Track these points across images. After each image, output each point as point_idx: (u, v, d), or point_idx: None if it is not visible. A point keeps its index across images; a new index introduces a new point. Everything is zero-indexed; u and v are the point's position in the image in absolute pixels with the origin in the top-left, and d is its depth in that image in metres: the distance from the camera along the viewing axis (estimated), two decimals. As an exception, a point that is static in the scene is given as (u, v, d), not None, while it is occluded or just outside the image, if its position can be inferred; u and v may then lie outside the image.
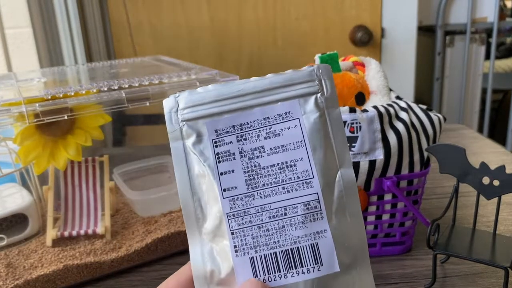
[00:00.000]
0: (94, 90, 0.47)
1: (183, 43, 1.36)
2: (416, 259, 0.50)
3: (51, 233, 0.51)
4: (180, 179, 0.26)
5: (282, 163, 0.25)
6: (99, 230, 0.52)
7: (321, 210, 0.24)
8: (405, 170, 0.48)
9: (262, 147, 0.25)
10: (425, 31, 1.49)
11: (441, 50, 1.48)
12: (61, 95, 0.46)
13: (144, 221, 0.56)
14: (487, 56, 1.52)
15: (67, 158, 0.51)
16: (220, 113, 0.26)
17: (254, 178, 0.25)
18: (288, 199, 0.25)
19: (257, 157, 0.25)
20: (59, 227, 0.53)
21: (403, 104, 0.49)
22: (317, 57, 0.52)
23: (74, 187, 0.55)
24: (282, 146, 0.25)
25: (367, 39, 1.34)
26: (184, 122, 0.26)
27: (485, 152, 0.81)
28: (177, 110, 0.26)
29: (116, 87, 0.48)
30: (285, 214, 0.25)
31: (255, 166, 0.25)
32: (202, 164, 0.25)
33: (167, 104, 0.27)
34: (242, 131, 0.26)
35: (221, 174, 0.25)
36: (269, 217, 0.24)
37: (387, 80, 0.52)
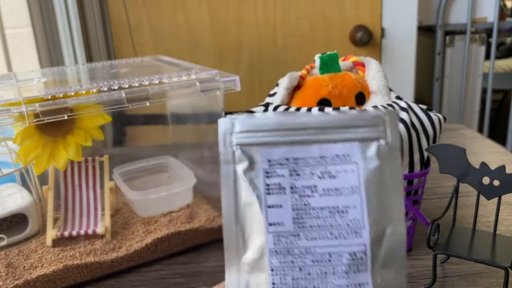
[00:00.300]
0: (94, 90, 0.47)
1: (183, 43, 1.36)
2: (416, 259, 0.50)
3: (51, 233, 0.51)
4: (226, 204, 0.25)
5: (333, 207, 0.24)
6: (99, 230, 0.52)
7: (366, 262, 0.23)
8: (405, 170, 0.47)
9: (315, 186, 0.24)
10: (425, 31, 1.49)
11: (441, 50, 1.48)
12: (61, 95, 0.46)
13: (144, 221, 0.56)
14: (487, 56, 1.52)
15: (67, 158, 0.51)
16: (276, 143, 0.25)
17: (302, 217, 0.24)
18: (335, 245, 0.24)
19: (308, 196, 0.24)
20: (59, 227, 0.53)
21: (403, 104, 0.49)
22: (317, 57, 0.52)
23: (74, 187, 0.55)
24: (336, 189, 0.24)
25: (367, 39, 1.34)
26: (238, 146, 0.25)
27: (485, 152, 0.81)
28: (232, 132, 0.25)
29: (116, 87, 0.48)
30: (329, 260, 0.24)
31: (304, 205, 0.24)
32: (250, 193, 0.24)
33: (222, 124, 0.26)
34: (296, 165, 0.24)
35: (269, 207, 0.24)
36: (312, 261, 0.23)
37: (387, 80, 0.52)
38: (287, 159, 0.24)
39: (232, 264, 0.25)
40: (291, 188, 0.24)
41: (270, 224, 0.24)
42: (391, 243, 0.24)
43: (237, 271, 0.24)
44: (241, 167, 0.25)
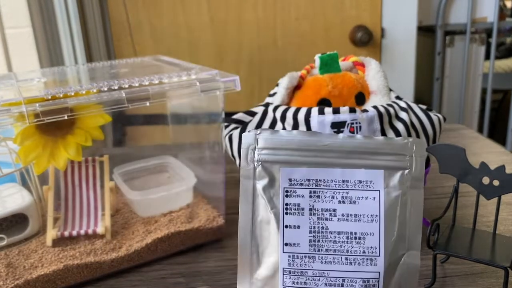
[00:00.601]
0: (94, 90, 0.47)
1: (183, 43, 1.36)
2: (416, 259, 0.50)
3: (51, 233, 0.51)
4: (242, 220, 0.25)
5: (351, 233, 0.24)
6: (99, 230, 0.52)
7: None
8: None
9: (334, 210, 0.24)
10: (425, 31, 1.49)
11: (441, 50, 1.48)
12: (61, 95, 0.46)
13: (144, 221, 0.56)
14: (487, 56, 1.52)
15: (67, 158, 0.51)
16: (299, 163, 0.24)
17: (318, 240, 0.24)
18: (349, 271, 0.23)
19: (327, 219, 0.24)
20: (59, 227, 0.53)
21: (403, 104, 0.49)
22: (317, 57, 0.52)
23: (74, 187, 0.55)
24: (355, 215, 0.24)
25: (367, 39, 1.34)
26: (260, 163, 0.25)
27: (485, 152, 0.81)
28: (255, 148, 0.25)
29: (116, 87, 0.48)
30: (342, 285, 0.23)
31: (322, 228, 0.24)
32: (268, 210, 0.24)
33: (246, 139, 0.26)
34: (317, 187, 0.24)
35: (286, 227, 0.24)
36: (325, 284, 0.23)
37: (387, 80, 0.52)
38: (308, 180, 0.24)
39: (245, 279, 0.25)
40: (310, 209, 0.24)
41: (286, 244, 0.24)
42: (405, 272, 0.24)
43: (249, 286, 0.25)
44: (261, 184, 0.25)
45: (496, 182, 0.43)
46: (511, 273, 0.41)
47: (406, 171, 0.25)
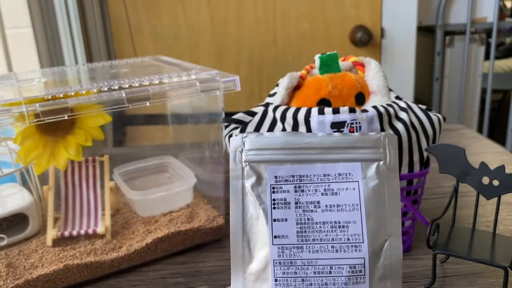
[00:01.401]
0: (95, 90, 0.47)
1: (183, 43, 1.36)
2: (416, 258, 0.50)
3: (51, 233, 0.51)
4: (233, 217, 0.26)
5: (335, 222, 0.25)
6: (100, 230, 0.52)
7: (365, 275, 0.25)
8: (404, 170, 0.48)
9: (318, 202, 0.26)
10: (425, 31, 1.49)
11: (441, 50, 1.48)
12: (61, 95, 0.46)
13: (144, 221, 0.56)
14: (487, 56, 1.52)
15: (68, 158, 0.52)
16: (283, 161, 0.26)
17: (305, 231, 0.25)
18: (336, 258, 0.25)
19: (312, 211, 0.26)
20: (60, 227, 0.53)
21: (402, 104, 0.49)
22: (317, 58, 0.52)
23: (75, 187, 0.55)
24: (338, 205, 0.26)
25: (367, 39, 1.34)
26: (247, 163, 0.27)
27: (484, 152, 0.81)
28: (242, 150, 0.27)
29: (116, 87, 0.48)
30: (330, 272, 0.25)
31: (308, 219, 0.26)
32: (257, 207, 0.26)
33: (234, 143, 0.28)
34: (301, 182, 0.26)
35: (274, 220, 0.25)
36: (314, 272, 0.25)
37: (387, 80, 0.52)
38: (292, 176, 0.26)
39: (238, 274, 0.26)
40: (296, 203, 0.26)
41: (275, 237, 0.25)
42: (389, 257, 0.25)
43: (243, 280, 0.26)
44: (249, 183, 0.26)
45: (495, 182, 0.43)
46: (510, 273, 0.42)
47: (381, 162, 0.26)
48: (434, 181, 0.69)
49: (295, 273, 0.25)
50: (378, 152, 0.26)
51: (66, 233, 0.51)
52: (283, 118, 0.48)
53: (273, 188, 0.26)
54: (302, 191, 0.26)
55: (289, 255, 0.25)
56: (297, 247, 0.25)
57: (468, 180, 0.44)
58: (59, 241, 0.51)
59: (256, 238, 0.26)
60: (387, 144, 0.27)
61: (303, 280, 0.25)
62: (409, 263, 0.50)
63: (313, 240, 0.25)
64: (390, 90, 0.52)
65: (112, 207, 0.57)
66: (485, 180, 0.43)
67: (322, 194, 0.26)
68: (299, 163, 0.26)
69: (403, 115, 0.48)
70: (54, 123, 0.50)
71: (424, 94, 1.58)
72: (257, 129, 0.50)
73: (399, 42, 1.38)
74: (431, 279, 0.45)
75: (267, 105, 0.51)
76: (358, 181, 0.26)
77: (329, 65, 0.51)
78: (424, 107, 0.52)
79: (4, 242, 0.51)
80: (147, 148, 0.86)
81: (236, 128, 0.52)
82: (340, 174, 0.26)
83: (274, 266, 0.25)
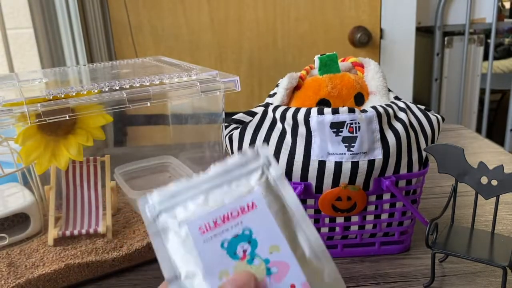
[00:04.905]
0: (96, 91, 0.47)
1: (183, 44, 1.36)
2: (415, 258, 0.51)
3: (52, 232, 0.51)
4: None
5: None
6: (101, 229, 0.52)
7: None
8: (403, 170, 0.48)
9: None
10: (424, 32, 1.49)
11: (440, 51, 1.49)
12: (62, 96, 0.46)
13: (145, 220, 0.56)
14: (486, 57, 1.53)
15: (69, 158, 0.52)
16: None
17: None
18: None
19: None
20: (61, 227, 0.53)
21: (401, 105, 0.49)
22: (316, 58, 0.52)
23: (76, 186, 0.55)
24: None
25: (366, 40, 1.35)
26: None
27: (483, 152, 0.81)
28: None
29: (117, 88, 0.48)
30: None
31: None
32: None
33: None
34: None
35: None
36: None
37: (386, 81, 0.52)
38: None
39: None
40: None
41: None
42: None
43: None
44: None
45: (494, 182, 0.43)
46: (509, 272, 0.42)
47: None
48: (433, 181, 0.69)
49: None
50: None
51: (67, 233, 0.52)
52: (283, 118, 0.48)
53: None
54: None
55: None
56: None
57: (466, 180, 0.44)
58: (60, 241, 0.52)
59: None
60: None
61: None
62: (408, 262, 0.50)
63: None
64: (389, 90, 0.53)
65: (113, 206, 0.57)
66: (484, 180, 0.44)
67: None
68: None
69: (402, 115, 0.48)
70: (55, 123, 0.50)
71: (423, 94, 1.58)
72: (257, 129, 0.50)
73: (398, 43, 1.38)
74: (430, 278, 0.46)
75: (267, 105, 0.52)
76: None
77: (328, 65, 0.51)
78: (423, 107, 0.52)
79: (6, 242, 0.51)
80: (148, 148, 0.86)
81: (236, 128, 0.52)
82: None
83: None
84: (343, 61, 0.55)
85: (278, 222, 0.26)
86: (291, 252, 0.25)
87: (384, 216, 0.50)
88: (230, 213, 0.26)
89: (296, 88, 0.52)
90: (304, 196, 0.48)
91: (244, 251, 0.25)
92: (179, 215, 0.27)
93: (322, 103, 0.50)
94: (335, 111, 0.45)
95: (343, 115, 0.45)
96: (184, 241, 0.26)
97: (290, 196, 0.27)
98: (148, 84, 0.49)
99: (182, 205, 0.27)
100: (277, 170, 0.27)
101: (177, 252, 0.26)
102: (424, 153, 0.49)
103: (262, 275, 0.24)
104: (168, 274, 0.25)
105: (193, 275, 0.25)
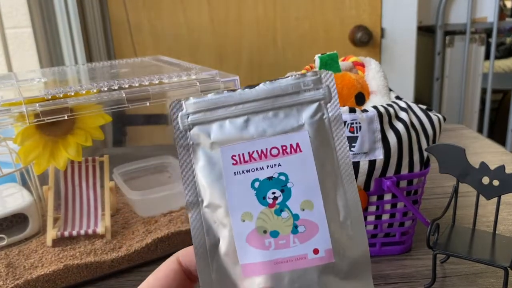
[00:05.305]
0: (94, 90, 0.47)
1: (183, 43, 1.36)
2: (416, 259, 0.50)
3: (51, 233, 0.51)
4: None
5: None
6: (99, 230, 0.52)
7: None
8: (404, 170, 0.48)
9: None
10: (425, 31, 1.49)
11: (441, 50, 1.48)
12: (61, 95, 0.46)
13: (144, 221, 0.56)
14: (487, 56, 1.52)
15: (67, 158, 0.52)
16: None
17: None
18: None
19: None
20: (59, 227, 0.53)
21: (402, 104, 0.49)
22: (317, 57, 0.52)
23: (74, 187, 0.55)
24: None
25: (367, 39, 1.34)
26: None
27: (484, 152, 0.81)
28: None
29: (116, 87, 0.48)
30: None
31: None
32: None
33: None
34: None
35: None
36: None
37: (387, 80, 0.52)
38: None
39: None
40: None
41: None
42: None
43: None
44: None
45: (496, 182, 0.43)
46: (511, 273, 0.42)
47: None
48: (434, 181, 0.69)
49: None
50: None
51: (66, 233, 0.51)
52: (283, 118, 0.48)
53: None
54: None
55: None
56: None
57: (468, 180, 0.44)
58: (59, 241, 0.51)
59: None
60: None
61: None
62: (409, 263, 0.50)
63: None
64: (390, 90, 0.52)
65: (112, 207, 0.56)
66: (485, 180, 0.43)
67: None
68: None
69: (403, 115, 0.48)
70: (54, 123, 0.49)
71: (424, 94, 1.58)
72: None
73: (399, 42, 1.38)
74: (431, 279, 0.45)
75: (267, 105, 0.51)
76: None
77: (329, 65, 0.51)
78: (424, 107, 0.52)
79: (4, 242, 0.51)
80: (147, 148, 0.86)
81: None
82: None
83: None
84: (343, 60, 0.55)
85: (320, 176, 0.22)
86: (325, 213, 0.22)
87: (385, 216, 0.49)
88: (270, 150, 0.22)
89: (296, 87, 0.52)
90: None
91: (275, 199, 0.22)
92: (214, 134, 0.23)
93: (323, 103, 0.49)
94: (336, 111, 0.45)
95: (344, 115, 0.45)
96: (214, 166, 0.22)
97: (342, 147, 0.23)
98: (147, 83, 0.49)
99: (219, 123, 0.23)
100: (336, 109, 0.23)
101: (204, 176, 0.22)
102: (425, 153, 0.49)
103: (286, 232, 0.22)
104: (190, 197, 0.22)
105: (215, 206, 0.22)
